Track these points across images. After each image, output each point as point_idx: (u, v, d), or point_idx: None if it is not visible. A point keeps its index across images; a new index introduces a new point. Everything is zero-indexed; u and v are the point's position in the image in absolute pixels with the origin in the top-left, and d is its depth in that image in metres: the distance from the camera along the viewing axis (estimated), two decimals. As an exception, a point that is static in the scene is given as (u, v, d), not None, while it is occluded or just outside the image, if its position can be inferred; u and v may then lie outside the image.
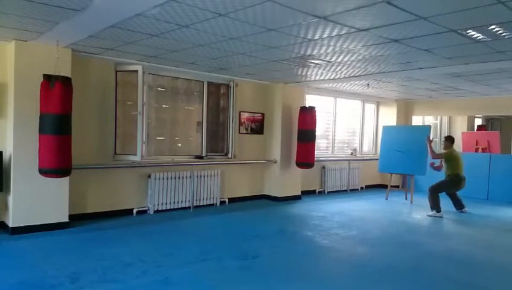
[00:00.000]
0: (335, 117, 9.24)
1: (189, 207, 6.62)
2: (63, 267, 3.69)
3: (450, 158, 6.98)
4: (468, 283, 3.75)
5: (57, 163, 4.44)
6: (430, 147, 7.31)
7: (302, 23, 3.71)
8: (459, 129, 11.21)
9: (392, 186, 8.73)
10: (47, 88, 4.37)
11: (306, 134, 7.45)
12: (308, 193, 8.47)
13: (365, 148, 10.23)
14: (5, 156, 4.84)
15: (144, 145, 5.98)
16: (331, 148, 9.24)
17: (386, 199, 8.39)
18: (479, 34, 3.90)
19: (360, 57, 5.14)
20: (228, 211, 6.71)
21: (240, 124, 7.47)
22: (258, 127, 7.77)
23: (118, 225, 5.42)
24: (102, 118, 5.77)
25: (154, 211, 6.23)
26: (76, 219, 5.37)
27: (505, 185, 8.44)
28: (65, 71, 4.75)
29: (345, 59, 5.29)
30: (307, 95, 8.36)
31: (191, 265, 3.92)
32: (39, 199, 4.90)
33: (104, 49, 5.15)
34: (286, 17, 3.52)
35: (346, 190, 9.27)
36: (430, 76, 6.49)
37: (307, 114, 7.46)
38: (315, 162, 7.67)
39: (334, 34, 4.05)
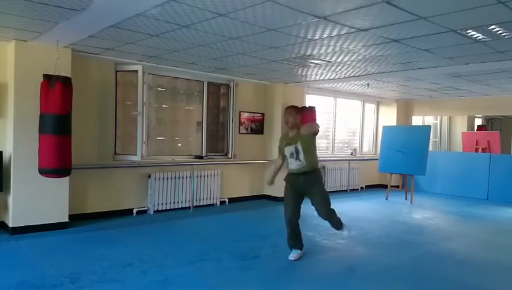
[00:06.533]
0: (335, 117, 9.24)
1: (189, 207, 6.62)
2: (63, 267, 3.69)
3: (313, 140, 4.29)
4: (469, 283, 3.74)
5: (57, 163, 4.44)
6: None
7: (302, 23, 3.71)
8: (459, 129, 11.21)
9: (392, 186, 8.73)
10: (47, 88, 4.37)
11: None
12: (308, 193, 8.46)
13: (365, 148, 10.23)
14: (5, 156, 4.84)
15: (144, 145, 5.98)
16: (331, 148, 9.24)
17: (386, 199, 8.39)
18: (479, 34, 3.90)
19: (360, 57, 5.14)
20: (228, 211, 6.71)
21: (240, 124, 7.47)
22: (258, 127, 7.77)
23: (118, 225, 5.42)
24: (102, 118, 5.77)
25: (154, 211, 6.23)
26: (76, 219, 5.37)
27: (505, 185, 8.43)
28: (65, 71, 4.75)
29: (345, 59, 5.29)
30: (307, 95, 8.36)
31: (191, 265, 3.92)
32: (39, 199, 4.90)
33: (104, 49, 5.15)
34: (286, 17, 3.52)
35: (346, 190, 9.27)
36: (430, 76, 6.49)
37: (307, 114, 7.45)
38: (315, 162, 7.66)
39: (334, 34, 4.05)
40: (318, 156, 4.37)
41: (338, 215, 4.38)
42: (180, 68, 6.25)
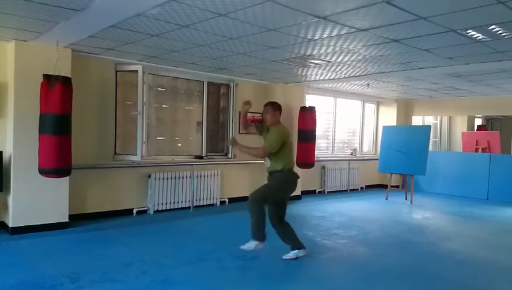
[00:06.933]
0: (335, 117, 9.24)
1: (189, 207, 6.62)
2: (63, 267, 3.69)
3: (283, 139, 4.05)
4: (468, 283, 3.75)
5: (57, 163, 4.43)
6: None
7: (302, 23, 3.71)
8: (459, 129, 11.21)
9: (392, 186, 8.73)
10: (47, 88, 4.37)
11: (306, 134, 7.44)
12: (308, 193, 8.46)
13: (365, 148, 10.23)
14: (5, 156, 4.84)
15: (143, 145, 5.98)
16: (331, 148, 9.23)
17: (386, 199, 8.39)
18: (479, 34, 3.90)
19: (360, 57, 5.14)
20: (228, 211, 6.71)
21: (240, 124, 7.46)
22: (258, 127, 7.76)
23: (118, 225, 5.42)
24: (102, 118, 5.77)
25: (154, 211, 6.22)
26: (76, 219, 5.37)
27: (505, 185, 8.43)
28: (65, 71, 4.75)
29: (345, 59, 5.29)
30: (307, 95, 8.36)
31: (191, 265, 3.92)
32: (39, 199, 4.90)
33: (104, 49, 5.15)
34: (286, 17, 3.52)
35: (346, 190, 9.27)
36: (430, 76, 6.49)
37: (307, 114, 7.45)
38: (315, 162, 7.67)
39: (334, 34, 4.05)
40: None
41: (263, 230, 3.94)
42: (180, 68, 6.25)
